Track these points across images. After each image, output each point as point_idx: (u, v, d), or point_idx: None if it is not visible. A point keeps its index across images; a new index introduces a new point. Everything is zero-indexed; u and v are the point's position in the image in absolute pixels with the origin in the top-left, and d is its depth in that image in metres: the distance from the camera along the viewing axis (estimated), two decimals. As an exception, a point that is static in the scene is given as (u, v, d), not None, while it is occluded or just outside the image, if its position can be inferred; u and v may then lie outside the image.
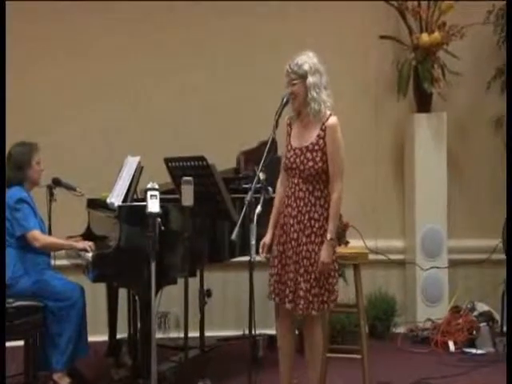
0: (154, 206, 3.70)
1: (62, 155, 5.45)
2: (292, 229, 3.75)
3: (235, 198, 4.28)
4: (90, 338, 4.55)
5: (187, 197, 3.89)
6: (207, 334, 4.41)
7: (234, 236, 3.51)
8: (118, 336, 5.02)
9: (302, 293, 3.69)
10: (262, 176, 3.69)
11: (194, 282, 4.19)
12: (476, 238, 5.80)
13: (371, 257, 4.74)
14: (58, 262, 4.67)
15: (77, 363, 4.50)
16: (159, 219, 3.72)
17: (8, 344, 3.92)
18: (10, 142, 4.47)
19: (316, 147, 3.74)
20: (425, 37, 5.64)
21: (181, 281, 4.17)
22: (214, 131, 5.60)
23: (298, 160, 3.76)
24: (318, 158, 3.72)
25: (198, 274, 4.24)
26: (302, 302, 3.69)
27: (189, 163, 4.11)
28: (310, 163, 3.73)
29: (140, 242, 3.95)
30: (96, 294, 5.01)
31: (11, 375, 4.38)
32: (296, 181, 3.76)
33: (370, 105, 5.95)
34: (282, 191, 3.82)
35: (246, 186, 4.56)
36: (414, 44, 5.71)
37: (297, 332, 4.08)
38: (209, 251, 4.34)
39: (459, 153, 5.98)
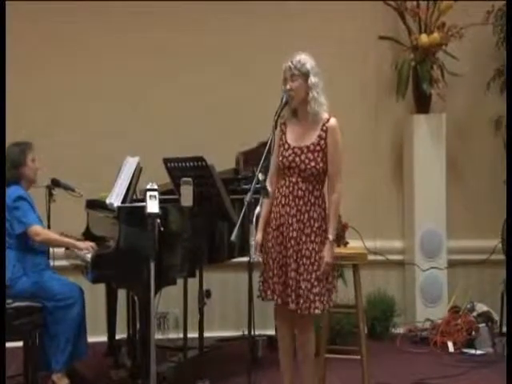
0: (153, 206, 3.70)
1: (60, 155, 5.44)
2: (291, 228, 3.75)
3: (234, 198, 4.28)
4: (89, 339, 4.55)
5: (186, 197, 3.89)
6: (206, 334, 4.39)
7: (233, 237, 3.51)
8: (117, 336, 5.01)
9: (301, 292, 3.70)
10: (261, 177, 3.67)
11: (193, 283, 4.18)
12: (475, 238, 5.80)
13: (370, 257, 4.74)
14: (57, 263, 4.66)
15: (76, 364, 4.50)
16: (158, 220, 3.72)
17: (7, 345, 3.91)
18: (10, 143, 4.48)
19: (317, 147, 3.75)
20: (424, 37, 5.64)
21: (180, 281, 4.17)
22: (213, 131, 5.60)
23: (297, 159, 3.76)
24: (319, 159, 3.74)
25: (198, 274, 4.22)
26: (301, 301, 3.70)
27: (188, 164, 4.11)
28: (312, 163, 3.74)
29: (139, 243, 3.95)
30: (95, 295, 5.00)
31: (10, 376, 4.38)
32: (295, 180, 3.77)
33: (369, 106, 5.95)
34: (272, 190, 3.80)
35: (246, 186, 4.57)
36: (413, 45, 5.72)
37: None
38: (208, 252, 4.34)
39: (458, 154, 5.98)
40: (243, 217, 3.53)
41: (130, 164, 4.53)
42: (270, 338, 5.09)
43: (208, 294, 4.22)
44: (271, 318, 4.04)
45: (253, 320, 3.65)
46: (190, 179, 3.90)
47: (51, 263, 4.55)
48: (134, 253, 4.01)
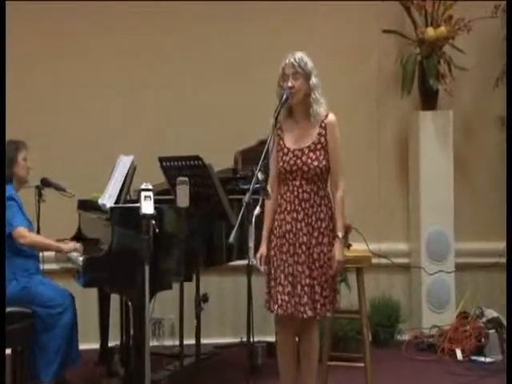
0: (147, 207, 3.69)
1: (52, 155, 5.45)
2: (301, 233, 3.75)
3: (233, 199, 4.29)
4: (81, 346, 4.54)
5: (182, 198, 3.88)
6: (203, 341, 4.40)
7: (231, 239, 3.51)
8: (110, 344, 5.02)
9: (317, 296, 3.73)
10: (260, 176, 3.67)
11: (189, 287, 4.18)
12: (484, 240, 5.79)
13: (374, 260, 4.74)
14: (47, 267, 4.67)
15: (67, 373, 4.49)
16: (153, 221, 3.71)
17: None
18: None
19: (318, 146, 3.76)
20: (430, 31, 5.64)
21: (176, 286, 4.17)
22: (210, 129, 5.61)
23: (299, 161, 3.77)
24: (321, 157, 3.75)
25: (194, 278, 4.23)
26: (318, 305, 3.73)
27: (184, 163, 4.11)
28: (315, 163, 3.74)
29: (133, 245, 3.94)
30: (87, 300, 4.99)
31: (-2, 385, 4.37)
32: (298, 183, 3.77)
33: (372, 102, 5.94)
34: (273, 198, 3.78)
35: (244, 186, 4.57)
36: (419, 38, 5.71)
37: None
38: (205, 254, 4.33)
39: (466, 152, 5.98)
40: (242, 218, 3.52)
41: (124, 163, 4.52)
42: (269, 344, 5.08)
43: (205, 298, 4.22)
44: (271, 323, 4.03)
45: (252, 326, 3.65)
46: (186, 179, 3.89)
47: (41, 267, 4.54)
48: (128, 256, 4.00)
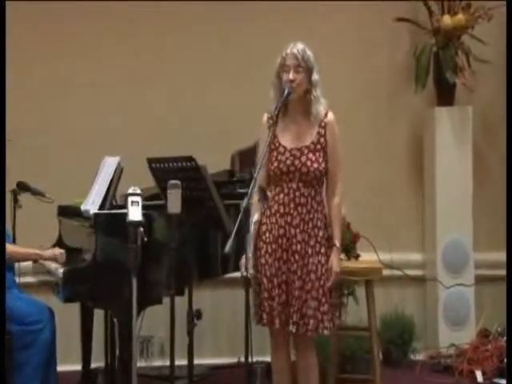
0: (135, 213, 3.71)
1: (29, 156, 5.47)
2: (294, 240, 3.78)
3: (229, 204, 4.30)
4: (61, 368, 4.55)
5: (174, 203, 3.91)
6: (196, 361, 4.40)
7: (227, 248, 3.52)
8: (93, 365, 5.01)
9: (310, 312, 3.74)
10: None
11: (181, 302, 4.19)
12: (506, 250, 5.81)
13: (385, 272, 4.76)
14: (24, 280, 4.67)
15: (45, 396, 4.49)
16: (141, 229, 3.72)
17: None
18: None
19: (318, 146, 3.81)
20: (447, 19, 5.67)
21: (166, 300, 4.18)
22: (205, 129, 5.64)
23: (297, 162, 3.80)
24: (321, 159, 3.80)
25: (187, 292, 4.24)
26: (311, 321, 3.73)
27: (176, 164, 4.12)
28: (315, 164, 3.78)
29: (119, 256, 3.95)
30: (67, 316, 5.00)
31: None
32: (295, 185, 3.80)
33: (382, 99, 5.97)
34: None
35: (242, 190, 4.58)
36: (435, 27, 5.74)
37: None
38: (199, 266, 4.34)
39: (486, 152, 6.01)
40: (239, 225, 3.54)
41: (109, 165, 4.53)
42: (268, 365, 5.08)
43: (198, 314, 4.22)
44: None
45: (250, 345, 3.68)
46: (178, 182, 3.92)
47: (17, 280, 4.55)
48: (113, 267, 4.01)
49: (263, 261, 3.82)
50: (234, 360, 5.41)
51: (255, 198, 3.78)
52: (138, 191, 3.79)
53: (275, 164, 3.82)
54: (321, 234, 3.80)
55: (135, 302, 3.69)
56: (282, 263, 3.80)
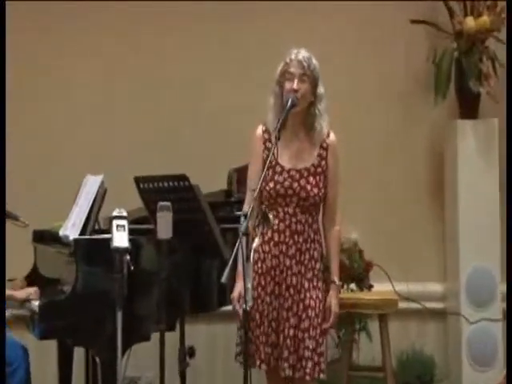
0: (121, 239, 3.71)
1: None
2: (289, 272, 3.81)
3: (226, 228, 4.30)
4: (37, 412, 4.54)
5: (164, 227, 3.91)
6: (189, 405, 4.41)
7: (224, 278, 3.52)
8: (73, 409, 5.01)
9: (308, 353, 3.75)
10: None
11: (172, 338, 4.19)
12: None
13: (402, 305, 4.76)
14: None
15: None
16: (128, 256, 3.72)
17: None
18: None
19: (319, 169, 3.85)
20: (470, 21, 5.68)
21: (155, 336, 4.17)
22: (199, 144, 5.66)
23: (295, 185, 3.82)
24: (321, 183, 3.84)
25: (178, 327, 4.24)
26: (309, 364, 3.74)
27: (166, 184, 4.13)
28: (315, 190, 3.81)
29: (102, 286, 3.96)
30: (44, 355, 5.00)
31: None
32: (292, 211, 3.82)
33: (397, 110, 5.99)
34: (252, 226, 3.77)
35: (240, 212, 4.58)
36: (457, 30, 5.75)
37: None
38: (192, 297, 4.34)
39: (515, 170, 6.02)
40: (237, 252, 3.55)
41: (91, 184, 4.54)
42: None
43: (191, 352, 4.22)
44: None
45: (250, 386, 3.67)
46: (168, 204, 3.92)
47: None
48: (96, 299, 4.01)
49: (255, 294, 3.81)
50: (231, 404, 5.40)
51: (255, 221, 3.78)
52: (124, 214, 3.79)
53: (271, 185, 3.83)
54: (318, 266, 3.83)
55: (120, 339, 3.69)
56: (273, 298, 3.81)
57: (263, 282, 3.83)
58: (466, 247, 5.79)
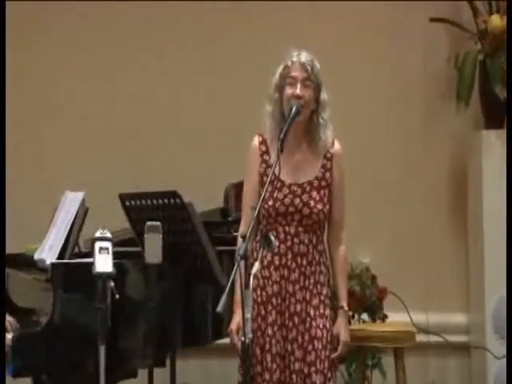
0: (104, 263, 3.69)
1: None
2: (293, 299, 3.80)
3: (222, 251, 4.31)
4: None
5: (153, 250, 3.91)
6: None
7: (220, 307, 3.50)
8: None
9: None
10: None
11: (162, 374, 4.18)
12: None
13: (420, 338, 4.75)
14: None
15: None
16: (112, 283, 3.71)
17: None
18: None
19: (323, 183, 3.84)
20: (496, 20, 5.70)
21: (143, 372, 4.16)
22: (192, 157, 5.69)
23: (297, 201, 3.81)
24: (325, 199, 3.83)
25: (169, 362, 4.22)
26: None
27: (155, 201, 4.14)
28: (319, 205, 3.81)
29: (83, 317, 3.95)
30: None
31: None
32: (293, 230, 3.81)
33: (415, 117, 6.01)
34: (251, 249, 3.76)
35: (238, 233, 4.57)
36: (481, 30, 5.78)
37: None
38: (184, 329, 4.32)
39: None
40: (235, 278, 3.53)
41: (71, 202, 4.53)
42: None
43: (184, 390, 4.22)
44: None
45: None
46: (158, 224, 3.93)
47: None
48: (76, 332, 3.99)
49: (254, 326, 3.77)
50: None
51: (255, 242, 3.77)
52: (108, 235, 3.77)
53: (270, 202, 3.82)
54: (324, 291, 3.82)
55: (103, 377, 3.66)
56: (276, 329, 3.79)
57: (263, 312, 3.81)
58: (492, 274, 5.79)
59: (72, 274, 4.12)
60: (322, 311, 3.79)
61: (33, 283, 4.44)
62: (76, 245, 4.51)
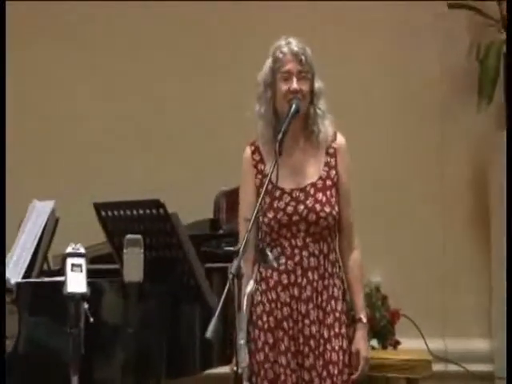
0: (77, 282, 3.68)
1: None
2: (307, 321, 3.76)
3: (212, 268, 4.31)
4: None
5: (133, 267, 3.90)
6: None
7: (209, 333, 3.48)
8: None
9: None
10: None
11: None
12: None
13: (437, 367, 4.74)
14: None
15: None
16: (86, 305, 3.69)
17: None
18: None
19: (328, 182, 3.82)
20: (523, 4, 5.71)
21: (122, 407, 4.15)
22: (178, 162, 5.71)
23: (302, 208, 3.78)
24: (333, 199, 3.80)
25: (151, 395, 4.22)
26: None
27: (136, 212, 4.13)
28: (327, 208, 3.78)
29: (53, 344, 3.95)
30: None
31: None
32: (301, 243, 3.79)
33: (431, 116, 6.03)
34: (250, 270, 3.74)
35: (230, 248, 4.55)
36: (505, 16, 5.77)
37: None
38: (168, 358, 4.32)
39: None
40: (226, 299, 3.51)
41: (39, 213, 4.52)
42: None
43: (169, 428, 4.21)
44: None
45: None
46: (138, 237, 3.91)
47: None
48: (44, 360, 3.99)
49: (261, 357, 3.78)
50: None
51: (250, 259, 3.74)
52: (82, 250, 3.75)
53: (270, 214, 3.79)
54: (339, 307, 3.79)
55: (76, 412, 3.66)
56: (290, 357, 3.76)
57: (271, 340, 3.78)
58: (517, 294, 5.79)
59: (40, 294, 4.13)
60: (337, 330, 3.76)
61: (-5, 305, 4.42)
62: (45, 261, 4.51)
